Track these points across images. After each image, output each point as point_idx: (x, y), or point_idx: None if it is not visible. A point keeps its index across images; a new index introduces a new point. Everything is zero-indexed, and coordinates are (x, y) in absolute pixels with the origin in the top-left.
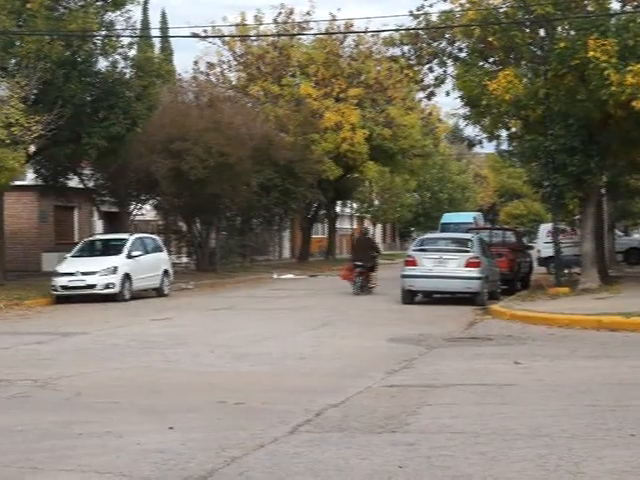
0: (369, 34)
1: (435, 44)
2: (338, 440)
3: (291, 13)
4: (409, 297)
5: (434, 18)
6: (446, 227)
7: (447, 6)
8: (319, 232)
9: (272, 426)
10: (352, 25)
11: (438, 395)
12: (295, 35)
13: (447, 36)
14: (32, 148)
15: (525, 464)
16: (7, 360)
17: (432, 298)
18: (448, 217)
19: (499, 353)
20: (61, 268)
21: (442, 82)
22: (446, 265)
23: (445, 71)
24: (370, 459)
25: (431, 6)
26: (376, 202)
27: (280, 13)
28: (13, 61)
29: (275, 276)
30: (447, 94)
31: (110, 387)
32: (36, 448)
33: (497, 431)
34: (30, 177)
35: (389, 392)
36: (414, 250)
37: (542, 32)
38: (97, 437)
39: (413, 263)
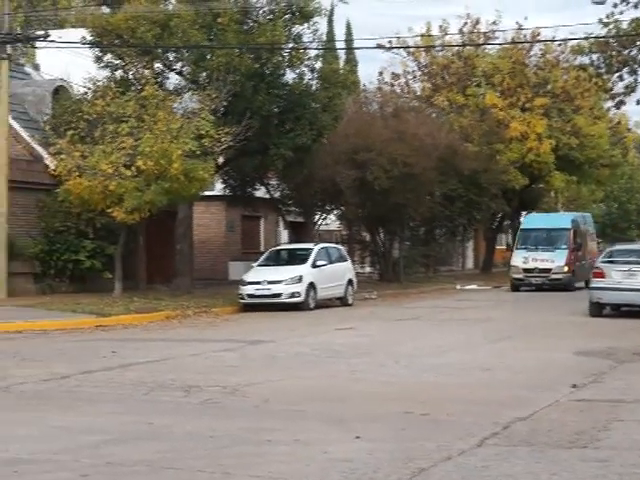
0: (556, 43)
1: (626, 52)
2: (527, 454)
3: (477, 23)
4: (597, 310)
5: (624, 25)
6: (529, 234)
7: (638, 13)
8: (503, 242)
9: (459, 438)
10: (539, 34)
11: (630, 410)
12: (481, 45)
13: (638, 43)
14: (221, 159)
15: None
16: (197, 366)
17: (620, 311)
18: (533, 220)
19: None
20: (248, 277)
21: (632, 90)
22: (636, 277)
23: (636, 79)
24: (560, 475)
25: (622, 13)
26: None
27: (466, 23)
28: (204, 74)
29: (458, 287)
30: (638, 102)
31: (297, 395)
32: (227, 453)
33: None
34: (218, 187)
35: (578, 406)
36: (602, 262)
37: None
38: (285, 445)
39: (601, 275)
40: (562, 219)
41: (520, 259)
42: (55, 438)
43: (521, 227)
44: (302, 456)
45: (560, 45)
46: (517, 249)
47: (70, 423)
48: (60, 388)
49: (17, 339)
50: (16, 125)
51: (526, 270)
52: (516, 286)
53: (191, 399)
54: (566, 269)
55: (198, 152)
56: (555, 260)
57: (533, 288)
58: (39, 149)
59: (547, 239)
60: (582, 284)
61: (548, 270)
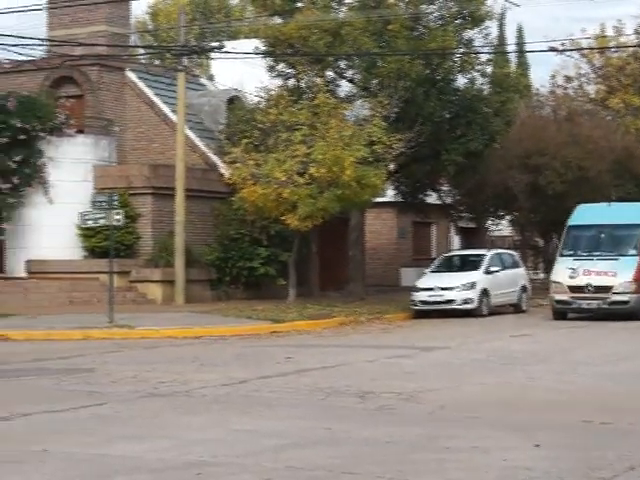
0: None
1: None
2: None
3: None
4: None
5: None
6: (580, 234)
7: None
8: None
9: None
10: None
11: None
12: None
13: None
14: (392, 165)
15: None
16: (372, 372)
17: None
18: (587, 212)
19: None
20: (420, 283)
21: None
22: None
23: None
24: None
25: None
26: None
27: None
28: (375, 81)
29: None
30: None
31: (473, 402)
32: (404, 460)
33: None
34: (390, 194)
35: None
36: None
37: None
38: (463, 451)
39: None
40: (631, 211)
41: (565, 272)
42: (237, 441)
43: (569, 223)
44: (480, 463)
45: None
46: (561, 256)
47: (250, 427)
48: (238, 392)
49: (196, 344)
50: (192, 135)
51: (574, 288)
52: (560, 312)
53: (367, 405)
54: (635, 287)
55: (370, 159)
56: (618, 273)
57: (591, 314)
58: (214, 158)
59: (607, 241)
60: None
61: (607, 288)
